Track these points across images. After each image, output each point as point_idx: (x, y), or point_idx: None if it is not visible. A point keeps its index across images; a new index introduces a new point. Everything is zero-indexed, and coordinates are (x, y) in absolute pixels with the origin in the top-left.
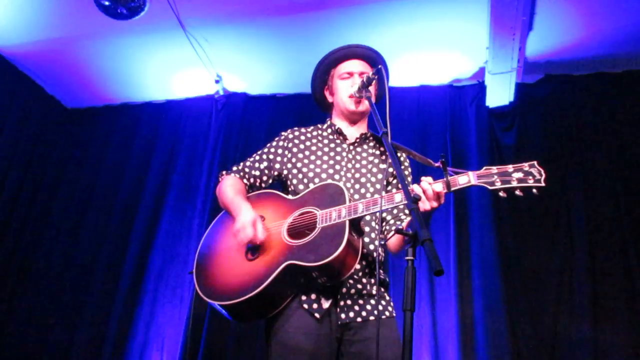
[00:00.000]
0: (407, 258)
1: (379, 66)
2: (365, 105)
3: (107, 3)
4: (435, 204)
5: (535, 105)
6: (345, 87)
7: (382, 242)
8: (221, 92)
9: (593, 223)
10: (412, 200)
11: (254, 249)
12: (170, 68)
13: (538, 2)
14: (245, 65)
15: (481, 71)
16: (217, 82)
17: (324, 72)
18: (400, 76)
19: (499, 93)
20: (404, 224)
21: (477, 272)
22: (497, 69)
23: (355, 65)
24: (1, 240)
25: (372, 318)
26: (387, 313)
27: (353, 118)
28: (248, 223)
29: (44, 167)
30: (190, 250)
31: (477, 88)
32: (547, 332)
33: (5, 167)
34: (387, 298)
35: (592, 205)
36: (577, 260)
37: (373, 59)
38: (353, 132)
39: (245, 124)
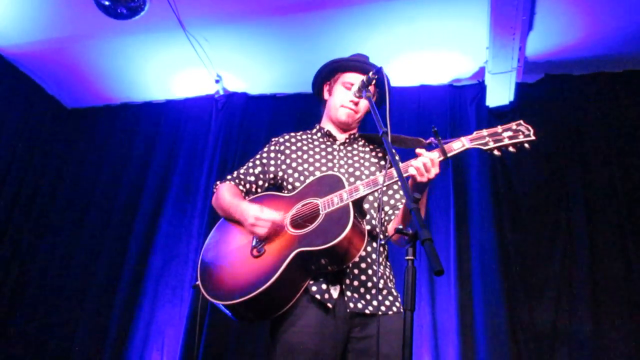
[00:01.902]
0: (407, 258)
1: (380, 67)
2: (354, 118)
3: (107, 3)
4: (432, 175)
5: (535, 105)
6: (344, 94)
7: (383, 242)
8: (221, 92)
9: (593, 222)
10: (412, 200)
11: (259, 245)
12: (170, 68)
13: (538, 1)
14: (245, 65)
15: (481, 71)
16: (217, 82)
17: (332, 70)
18: (400, 76)
19: (499, 93)
20: (399, 215)
21: (477, 271)
22: (497, 68)
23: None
24: (1, 240)
25: (380, 313)
26: (394, 309)
27: (341, 126)
28: (259, 212)
29: (44, 167)
30: (190, 250)
31: (477, 88)
32: (547, 331)
33: (5, 167)
34: (395, 294)
35: (593, 204)
36: (577, 260)
37: (380, 84)
38: (342, 135)
39: (245, 123)
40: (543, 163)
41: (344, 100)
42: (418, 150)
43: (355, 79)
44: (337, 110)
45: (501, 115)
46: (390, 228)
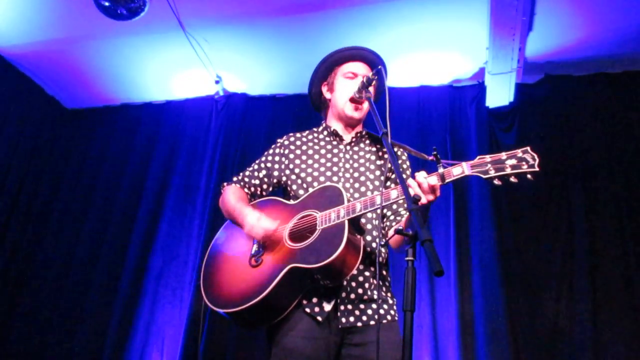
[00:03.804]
0: (407, 259)
1: (379, 67)
2: (362, 112)
3: (107, 4)
4: (431, 197)
5: (535, 105)
6: (348, 86)
7: (382, 243)
8: (221, 93)
9: (593, 223)
10: (412, 201)
11: (257, 255)
12: (170, 69)
13: (538, 2)
14: (245, 66)
15: (481, 71)
16: (217, 82)
17: (326, 68)
18: (401, 76)
19: (499, 93)
20: (403, 221)
21: (477, 272)
22: (497, 69)
23: (360, 68)
24: (1, 240)
25: (372, 323)
26: (388, 317)
27: (349, 123)
28: (255, 221)
29: (43, 168)
30: (190, 251)
31: (477, 88)
32: (547, 332)
33: (5, 168)
34: (390, 302)
35: (592, 205)
36: (577, 260)
37: (376, 64)
38: (349, 133)
39: (245, 124)
40: (543, 163)
41: (350, 92)
42: (417, 174)
43: (353, 67)
44: (344, 107)
45: (501, 115)
46: (392, 232)
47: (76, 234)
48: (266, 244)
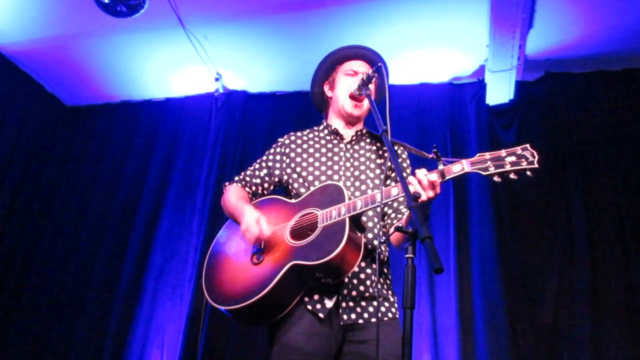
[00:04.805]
0: (407, 256)
1: (379, 64)
2: (362, 110)
3: (106, 1)
4: (431, 194)
5: (535, 103)
6: (348, 83)
7: (383, 240)
8: (221, 90)
9: (593, 220)
10: (412, 198)
11: (259, 253)
12: (170, 66)
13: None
14: (245, 63)
15: (481, 69)
16: (217, 80)
17: (328, 67)
18: (400, 74)
19: (499, 91)
20: (404, 218)
21: (477, 270)
22: (497, 66)
23: (362, 66)
24: (1, 238)
25: (374, 320)
26: (389, 315)
27: (349, 120)
28: (253, 222)
29: (43, 165)
30: (190, 248)
31: (477, 86)
32: (547, 330)
33: (5, 165)
34: (392, 299)
35: (592, 202)
36: (577, 260)
37: (377, 64)
38: (349, 131)
39: (245, 121)
40: (542, 162)
41: (350, 88)
42: (417, 171)
43: (354, 65)
44: (343, 103)
45: (501, 113)
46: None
47: (76, 231)
48: (265, 243)
